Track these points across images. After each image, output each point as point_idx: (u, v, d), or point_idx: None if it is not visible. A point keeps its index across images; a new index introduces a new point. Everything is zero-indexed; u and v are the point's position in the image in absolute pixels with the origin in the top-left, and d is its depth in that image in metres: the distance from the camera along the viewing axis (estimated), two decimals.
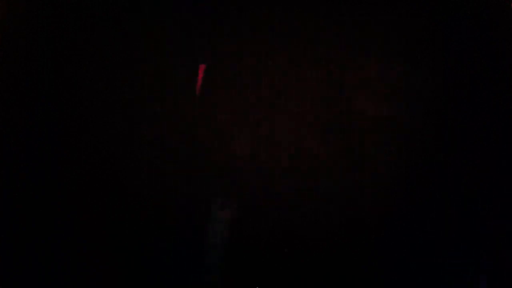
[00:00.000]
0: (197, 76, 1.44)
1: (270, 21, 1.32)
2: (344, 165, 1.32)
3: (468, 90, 1.24)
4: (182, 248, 1.45)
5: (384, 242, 1.32)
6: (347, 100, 1.31)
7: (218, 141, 1.44)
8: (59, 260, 1.39)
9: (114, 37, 1.41)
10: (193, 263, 1.46)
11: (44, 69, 1.39)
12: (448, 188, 1.30)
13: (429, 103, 1.25)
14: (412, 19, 1.23)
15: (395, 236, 1.31)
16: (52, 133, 1.38)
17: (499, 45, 1.22)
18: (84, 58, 1.39)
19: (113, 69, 1.41)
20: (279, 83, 1.35)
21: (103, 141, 1.41)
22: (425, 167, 1.31)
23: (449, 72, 1.24)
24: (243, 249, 1.46)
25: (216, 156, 1.45)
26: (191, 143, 1.48)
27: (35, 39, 1.38)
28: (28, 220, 1.37)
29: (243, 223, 1.43)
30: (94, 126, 1.41)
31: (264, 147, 1.38)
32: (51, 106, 1.39)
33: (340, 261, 1.34)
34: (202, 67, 1.45)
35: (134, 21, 1.42)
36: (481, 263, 1.29)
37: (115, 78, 1.41)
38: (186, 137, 1.48)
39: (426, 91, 1.26)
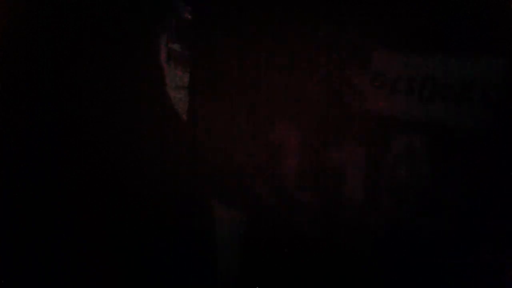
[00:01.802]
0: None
1: (270, 21, 1.32)
2: (345, 166, 1.32)
3: (468, 90, 1.24)
4: (182, 248, 1.45)
5: (385, 242, 1.32)
6: (347, 100, 1.31)
7: (218, 142, 1.45)
8: (59, 260, 1.39)
9: (114, 37, 1.41)
10: (193, 264, 1.46)
11: (44, 69, 1.39)
12: (448, 188, 1.30)
13: (428, 102, 1.25)
14: (411, 19, 1.22)
15: (396, 236, 1.31)
16: (52, 133, 1.39)
17: (499, 44, 1.22)
18: (84, 58, 1.40)
19: (113, 69, 1.41)
20: (279, 83, 1.35)
21: (103, 141, 1.41)
22: (425, 166, 1.31)
23: (449, 72, 1.24)
24: (243, 249, 1.46)
25: (216, 157, 1.45)
26: (192, 143, 1.48)
27: (35, 39, 1.38)
28: (28, 220, 1.37)
29: (243, 223, 1.43)
30: (94, 126, 1.41)
31: (265, 147, 1.38)
32: (51, 106, 1.39)
33: (340, 261, 1.34)
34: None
35: (134, 21, 1.42)
36: (482, 262, 1.29)
37: (115, 78, 1.41)
38: (187, 137, 1.48)
39: (425, 91, 1.26)
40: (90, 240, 1.40)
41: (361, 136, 1.33)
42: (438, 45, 1.27)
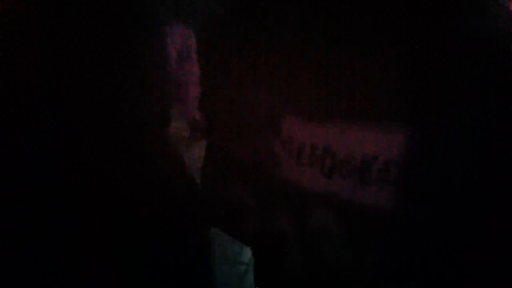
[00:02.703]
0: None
1: (270, 21, 1.32)
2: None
3: (468, 91, 1.23)
4: (182, 249, 1.45)
5: (385, 243, 1.32)
6: (347, 101, 1.30)
7: (218, 140, 1.45)
8: (59, 260, 1.39)
9: (114, 37, 1.41)
10: (194, 264, 1.46)
11: (44, 69, 1.39)
12: (448, 187, 1.29)
13: (427, 103, 1.24)
14: (410, 20, 1.22)
15: (397, 237, 1.31)
16: (52, 133, 1.39)
17: (499, 46, 1.22)
18: (84, 58, 1.40)
19: (113, 69, 1.41)
20: (279, 83, 1.34)
21: (103, 141, 1.41)
22: (426, 167, 1.30)
23: (449, 72, 1.23)
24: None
25: (217, 156, 1.45)
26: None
27: (35, 39, 1.38)
28: (28, 220, 1.37)
29: (244, 223, 1.43)
30: (94, 126, 1.41)
31: (265, 146, 1.38)
32: (51, 106, 1.39)
33: (340, 261, 1.34)
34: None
35: (134, 21, 1.42)
36: (480, 263, 1.29)
37: (115, 78, 1.41)
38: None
39: (425, 92, 1.25)
40: (90, 240, 1.40)
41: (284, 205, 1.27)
42: (337, 115, 1.17)
